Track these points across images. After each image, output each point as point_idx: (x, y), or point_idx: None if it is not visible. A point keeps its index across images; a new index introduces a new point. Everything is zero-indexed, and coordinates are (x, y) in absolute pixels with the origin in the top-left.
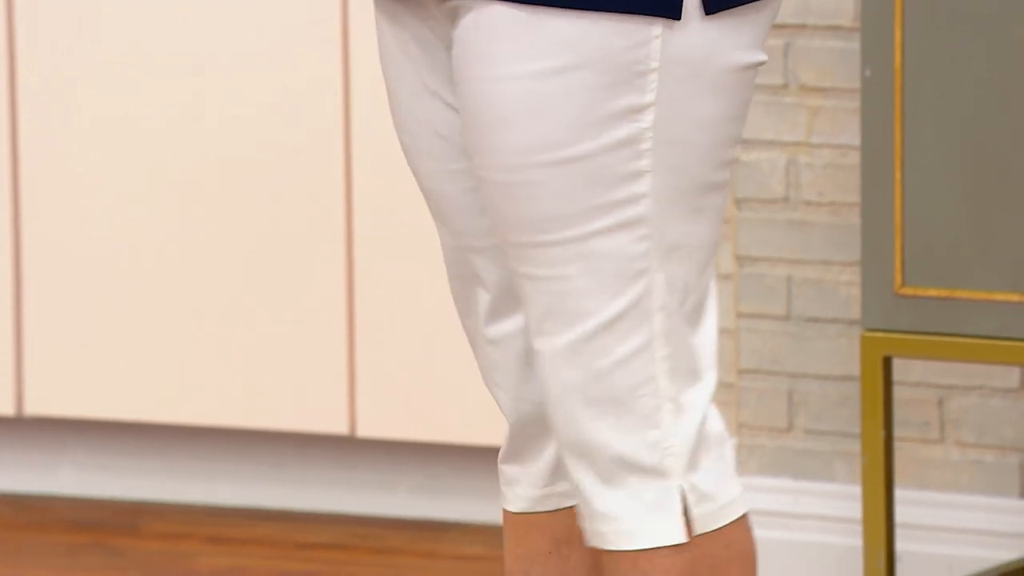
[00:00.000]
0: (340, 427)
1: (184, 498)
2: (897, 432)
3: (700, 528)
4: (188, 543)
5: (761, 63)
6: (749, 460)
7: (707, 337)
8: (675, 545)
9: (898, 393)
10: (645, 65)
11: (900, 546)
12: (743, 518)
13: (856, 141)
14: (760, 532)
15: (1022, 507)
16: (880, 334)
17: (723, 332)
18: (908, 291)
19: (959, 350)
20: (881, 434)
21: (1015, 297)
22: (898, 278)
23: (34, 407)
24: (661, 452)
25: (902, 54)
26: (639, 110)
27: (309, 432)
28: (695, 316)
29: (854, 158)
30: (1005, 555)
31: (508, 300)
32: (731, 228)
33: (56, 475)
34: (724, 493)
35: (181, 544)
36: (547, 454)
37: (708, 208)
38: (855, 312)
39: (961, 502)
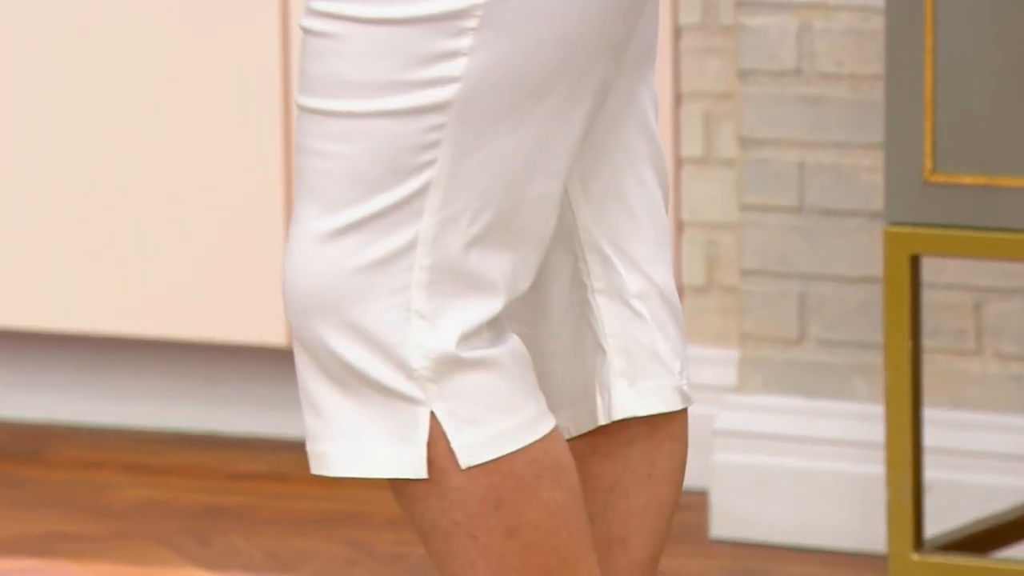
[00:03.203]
0: (276, 337)
1: (96, 420)
2: (926, 343)
3: (466, 459)
4: (101, 472)
5: None
6: (753, 376)
7: (502, 265)
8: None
9: (927, 297)
10: None
11: (929, 474)
12: (550, 435)
13: (880, 3)
14: (767, 459)
15: None
16: (907, 228)
17: (724, 227)
18: (939, 178)
19: (999, 247)
20: (908, 345)
21: None
22: (928, 163)
23: None
24: (406, 371)
25: None
26: None
27: (241, 343)
28: (492, 237)
29: (878, 23)
30: None
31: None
32: (734, 105)
33: None
34: (495, 422)
35: (93, 474)
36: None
37: (532, 120)
38: (878, 203)
39: (999, 423)
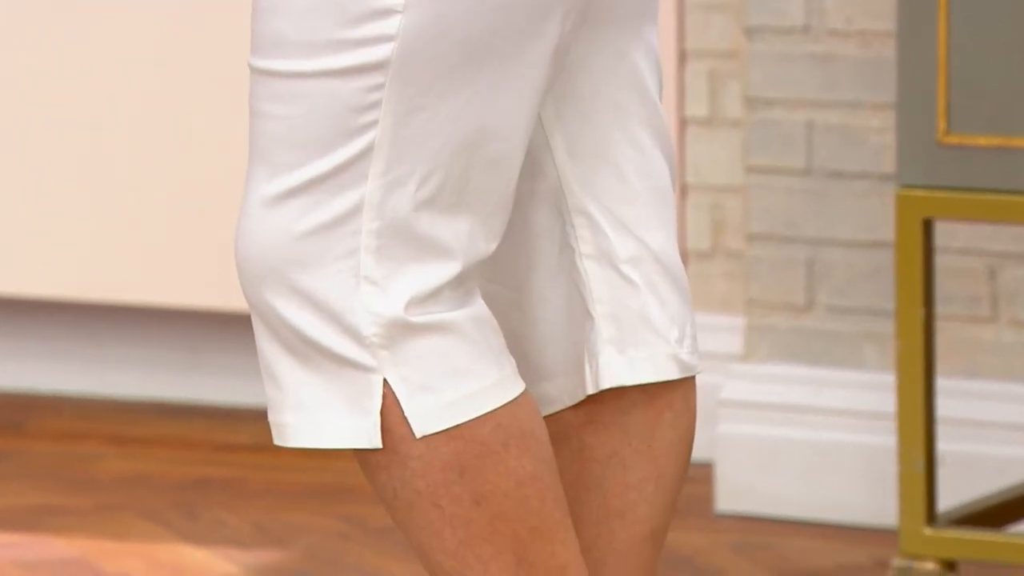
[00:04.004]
0: None
1: (81, 390)
2: (939, 310)
3: (421, 427)
4: (86, 444)
5: None
6: (760, 344)
7: (457, 227)
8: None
9: (940, 262)
10: None
11: (942, 446)
12: (517, 401)
13: None
14: (774, 430)
15: None
16: (919, 191)
17: (730, 190)
18: (953, 139)
19: (1014, 210)
20: (920, 312)
21: None
22: (941, 124)
23: None
24: (357, 338)
25: None
26: None
27: (228, 311)
28: (444, 199)
29: None
30: None
31: None
32: (740, 64)
33: None
34: (452, 388)
35: (78, 445)
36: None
37: (480, 81)
38: (889, 165)
39: (1015, 393)
